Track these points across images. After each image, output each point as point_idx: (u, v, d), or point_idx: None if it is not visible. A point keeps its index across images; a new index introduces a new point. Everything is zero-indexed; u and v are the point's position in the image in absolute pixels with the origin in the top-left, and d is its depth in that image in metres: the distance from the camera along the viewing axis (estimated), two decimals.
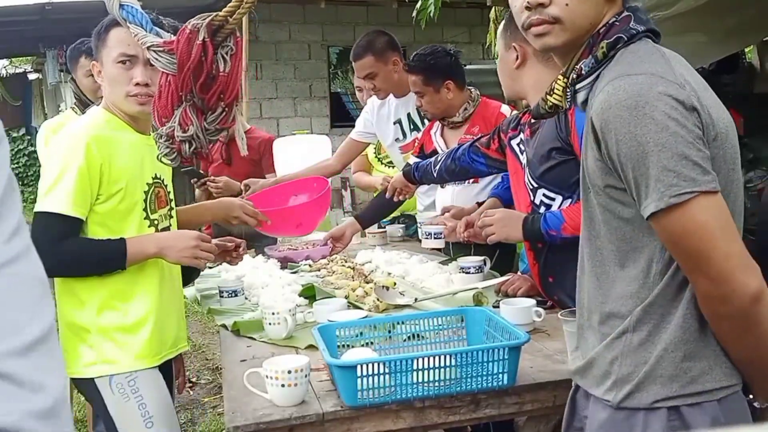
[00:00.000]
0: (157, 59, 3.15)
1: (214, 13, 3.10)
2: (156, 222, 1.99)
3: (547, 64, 2.06)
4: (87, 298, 1.88)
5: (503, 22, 2.16)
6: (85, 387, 1.89)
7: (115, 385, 1.85)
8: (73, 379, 1.93)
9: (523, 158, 2.15)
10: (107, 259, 1.84)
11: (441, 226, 2.70)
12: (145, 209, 1.95)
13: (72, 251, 1.81)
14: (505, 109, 2.85)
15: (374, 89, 3.31)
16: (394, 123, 3.35)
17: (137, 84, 1.92)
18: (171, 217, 2.08)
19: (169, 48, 3.09)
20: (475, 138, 2.52)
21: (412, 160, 3.04)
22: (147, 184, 1.97)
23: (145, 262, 1.91)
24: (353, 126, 3.89)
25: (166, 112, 3.28)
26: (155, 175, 2.01)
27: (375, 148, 3.77)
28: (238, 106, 3.37)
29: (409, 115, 3.30)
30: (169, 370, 2.08)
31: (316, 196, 2.74)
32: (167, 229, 2.05)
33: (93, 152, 1.82)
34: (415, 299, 2.22)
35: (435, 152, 2.97)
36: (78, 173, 1.79)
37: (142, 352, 1.91)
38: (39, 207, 1.81)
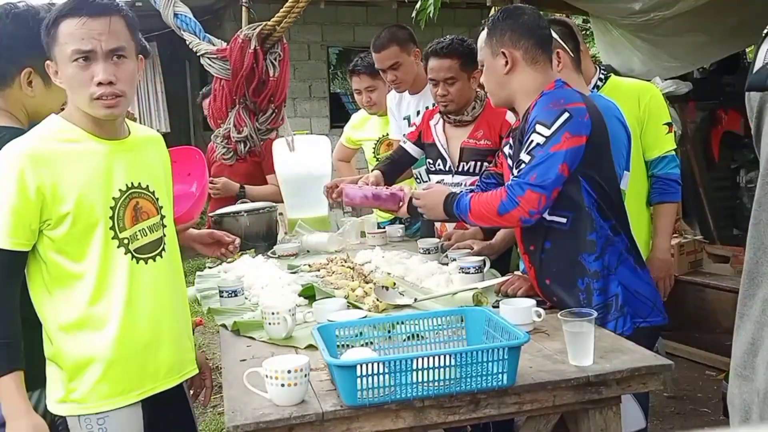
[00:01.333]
0: (210, 65, 3.23)
1: (264, 23, 3.20)
2: (127, 242, 1.72)
3: (536, 68, 2.10)
4: (52, 331, 1.70)
5: (485, 31, 2.16)
6: (60, 422, 1.74)
7: (83, 422, 1.70)
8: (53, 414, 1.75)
9: (509, 160, 2.20)
10: None
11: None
12: (112, 227, 1.70)
13: None
14: (510, 116, 2.82)
15: (395, 81, 3.29)
16: (404, 119, 3.36)
17: (99, 83, 1.65)
18: (164, 226, 1.83)
19: (222, 55, 3.19)
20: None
21: (409, 146, 3.05)
22: (113, 198, 1.71)
23: (109, 288, 1.70)
24: None
25: (221, 114, 3.38)
26: (131, 184, 1.75)
27: (374, 148, 3.77)
28: (285, 107, 3.46)
29: (419, 113, 3.30)
30: (178, 394, 1.90)
31: (197, 194, 2.44)
32: (153, 245, 1.79)
33: (26, 177, 1.60)
34: (415, 299, 2.22)
35: (434, 145, 2.97)
36: (9, 203, 1.60)
37: (114, 390, 1.71)
38: None
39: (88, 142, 1.71)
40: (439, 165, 2.97)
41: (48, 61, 1.70)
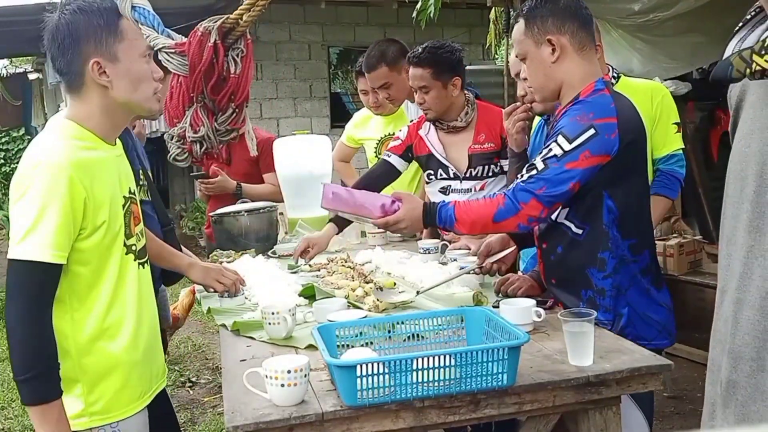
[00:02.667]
0: (168, 61, 3.10)
1: (225, 16, 3.07)
2: (134, 247, 1.75)
3: (583, 55, 1.97)
4: (69, 346, 1.64)
5: (520, 22, 2.03)
6: None
7: None
8: None
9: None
10: (39, 375, 1.54)
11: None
12: (124, 234, 1.71)
13: (34, 335, 1.53)
14: None
15: (389, 98, 3.34)
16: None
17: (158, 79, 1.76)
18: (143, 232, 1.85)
19: (181, 50, 3.07)
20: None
21: (394, 159, 2.97)
22: (122, 205, 1.72)
23: (123, 294, 1.70)
24: None
25: (177, 113, 3.24)
26: (129, 189, 1.79)
27: (375, 147, 3.77)
28: (247, 107, 3.33)
29: None
30: (164, 394, 1.93)
31: None
32: (144, 250, 1.81)
33: (77, 185, 1.56)
34: (417, 292, 2.22)
35: (431, 155, 2.96)
36: (58, 214, 1.54)
37: (134, 395, 1.73)
38: (17, 254, 1.53)
39: (103, 149, 1.71)
40: (441, 174, 2.96)
41: (95, 60, 1.63)
